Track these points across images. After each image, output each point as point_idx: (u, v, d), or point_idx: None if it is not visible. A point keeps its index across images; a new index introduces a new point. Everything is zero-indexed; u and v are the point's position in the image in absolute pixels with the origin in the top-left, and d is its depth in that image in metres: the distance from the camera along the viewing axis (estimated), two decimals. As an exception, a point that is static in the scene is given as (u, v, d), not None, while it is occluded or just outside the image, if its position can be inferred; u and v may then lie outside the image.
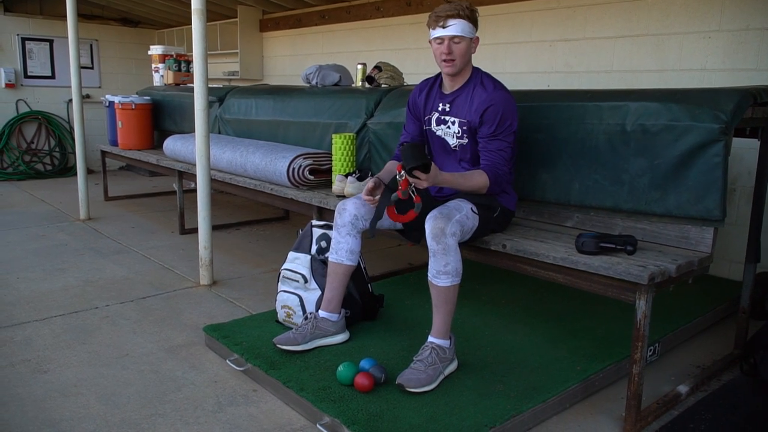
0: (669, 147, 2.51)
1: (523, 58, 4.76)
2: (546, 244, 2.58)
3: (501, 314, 3.26)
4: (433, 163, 2.35)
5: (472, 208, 2.51)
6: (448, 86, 2.75)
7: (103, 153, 6.44)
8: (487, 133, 2.58)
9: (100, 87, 8.55)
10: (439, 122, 2.79)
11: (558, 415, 2.40)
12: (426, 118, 2.85)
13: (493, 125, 2.57)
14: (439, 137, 2.81)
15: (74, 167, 8.23)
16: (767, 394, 2.54)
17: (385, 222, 2.76)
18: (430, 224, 2.40)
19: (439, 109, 2.78)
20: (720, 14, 3.72)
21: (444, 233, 2.36)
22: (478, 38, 2.68)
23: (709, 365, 2.87)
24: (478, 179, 2.56)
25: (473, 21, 2.62)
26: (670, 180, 2.52)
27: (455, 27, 2.57)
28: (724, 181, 2.41)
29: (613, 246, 2.40)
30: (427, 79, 2.89)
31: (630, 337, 2.29)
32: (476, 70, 2.73)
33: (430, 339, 2.49)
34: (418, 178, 2.33)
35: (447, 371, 2.49)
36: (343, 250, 2.71)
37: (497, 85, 2.66)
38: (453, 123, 2.72)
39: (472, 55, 2.71)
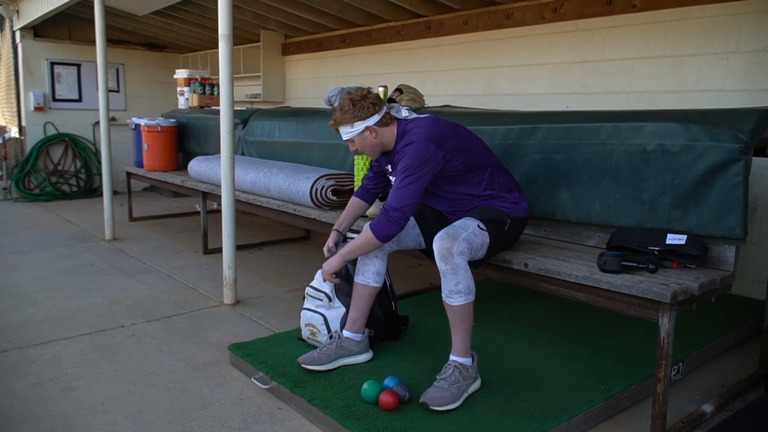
0: (689, 167, 2.53)
1: (542, 80, 4.81)
2: (568, 263, 2.60)
3: (523, 333, 3.27)
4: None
5: (478, 225, 2.56)
6: (389, 150, 2.83)
7: (129, 174, 6.57)
8: (395, 178, 2.66)
9: (125, 110, 8.74)
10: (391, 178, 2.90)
11: (582, 434, 2.41)
12: (388, 176, 2.95)
13: (399, 172, 2.62)
14: None
15: (99, 188, 8.40)
16: (793, 414, 2.52)
17: (410, 242, 2.81)
18: (437, 245, 2.45)
19: (388, 169, 2.87)
20: (737, 36, 3.74)
21: (451, 253, 2.41)
22: (369, 126, 2.70)
23: (734, 384, 2.86)
24: (360, 238, 2.68)
25: (352, 119, 2.69)
26: (691, 199, 2.54)
27: (342, 134, 2.78)
28: (745, 200, 2.42)
29: (635, 264, 2.42)
30: None
31: (653, 356, 2.30)
32: (401, 131, 2.74)
33: (452, 357, 2.52)
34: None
35: (471, 389, 2.51)
36: (369, 271, 2.77)
37: (409, 135, 2.67)
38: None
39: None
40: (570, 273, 2.48)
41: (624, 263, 2.43)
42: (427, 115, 2.81)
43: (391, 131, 2.73)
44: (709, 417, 2.57)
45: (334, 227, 3.03)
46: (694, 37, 3.93)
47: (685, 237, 2.50)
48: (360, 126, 2.69)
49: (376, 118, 2.69)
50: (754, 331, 3.36)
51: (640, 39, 4.20)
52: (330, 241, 2.96)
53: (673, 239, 2.53)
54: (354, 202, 3.10)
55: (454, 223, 2.58)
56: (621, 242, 2.65)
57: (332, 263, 2.79)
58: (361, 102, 2.69)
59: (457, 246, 2.42)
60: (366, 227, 2.63)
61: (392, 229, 2.57)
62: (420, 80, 5.47)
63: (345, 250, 2.75)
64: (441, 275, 2.47)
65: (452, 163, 2.63)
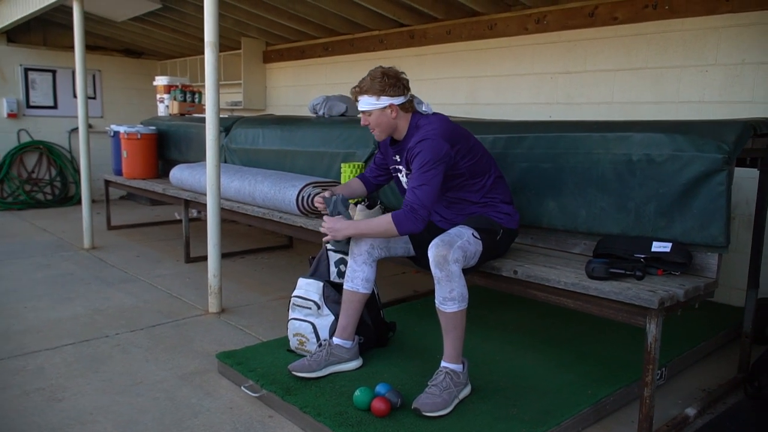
0: (674, 176, 2.59)
1: (525, 90, 4.88)
2: (556, 270, 2.65)
3: (510, 340, 3.31)
4: (342, 217, 2.75)
5: (473, 233, 2.59)
6: (396, 140, 2.85)
7: (107, 182, 6.50)
8: (411, 175, 2.64)
9: (102, 117, 8.65)
10: (395, 171, 2.93)
11: (571, 438, 2.45)
12: (391, 167, 2.97)
13: (415, 168, 2.61)
14: (401, 183, 2.93)
15: (75, 197, 8.32)
16: (774, 417, 2.59)
17: (399, 249, 2.83)
18: (433, 252, 2.47)
19: (394, 159, 2.89)
20: (716, 49, 3.84)
21: (447, 260, 2.43)
22: (392, 104, 2.69)
23: (715, 389, 2.92)
24: (380, 221, 2.62)
25: (379, 91, 2.67)
26: (675, 208, 2.60)
27: (361, 103, 2.74)
28: (728, 209, 2.49)
29: (623, 272, 2.47)
30: None
31: (637, 362, 2.35)
32: (414, 123, 2.75)
33: (443, 364, 2.54)
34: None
35: (461, 395, 2.53)
36: (359, 278, 2.78)
37: (424, 129, 2.67)
38: (402, 173, 2.86)
39: (424, 105, 2.79)
40: (559, 280, 2.52)
41: (611, 270, 2.48)
42: (439, 113, 2.82)
43: (407, 119, 2.75)
44: (692, 420, 2.63)
45: (330, 190, 2.98)
46: (675, 49, 4.03)
47: (670, 245, 2.56)
48: (385, 101, 2.68)
49: (401, 99, 2.70)
50: (733, 337, 3.45)
51: (622, 51, 4.29)
52: (326, 193, 2.90)
53: (658, 247, 2.59)
54: (355, 181, 3.13)
55: (449, 231, 2.60)
56: (607, 250, 2.71)
57: (343, 230, 2.71)
58: (394, 78, 2.69)
59: (452, 253, 2.45)
60: (388, 217, 2.58)
61: (416, 227, 2.57)
62: (402, 89, 5.51)
63: (362, 225, 2.70)
64: (435, 282, 2.50)
65: (459, 165, 2.66)
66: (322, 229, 2.80)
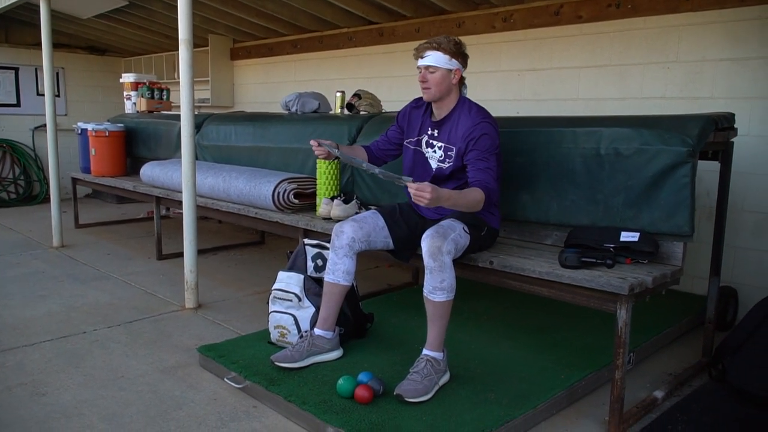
0: (641, 169, 2.71)
1: (493, 87, 4.99)
2: (530, 260, 2.75)
3: (484, 329, 3.41)
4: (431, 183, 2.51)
5: (464, 228, 2.67)
6: (436, 113, 2.93)
7: (74, 180, 6.42)
8: (474, 156, 2.74)
9: (66, 115, 8.51)
10: (427, 145, 2.96)
11: (546, 420, 2.55)
12: (415, 138, 3.02)
13: (480, 149, 2.73)
14: (423, 158, 2.98)
15: (39, 195, 8.19)
16: (735, 397, 2.73)
17: (379, 242, 2.90)
18: (427, 242, 2.53)
19: (428, 132, 2.95)
20: (677, 46, 4.00)
21: (441, 251, 2.50)
22: (459, 70, 2.84)
23: (680, 372, 3.06)
24: (475, 194, 2.64)
25: (453, 54, 2.80)
26: (642, 199, 2.72)
27: (430, 58, 2.80)
28: (692, 200, 2.63)
29: (594, 260, 2.58)
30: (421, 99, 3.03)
31: (608, 347, 2.47)
32: (463, 100, 2.90)
33: (425, 352, 2.62)
34: (422, 196, 2.42)
35: (441, 382, 2.61)
36: (339, 271, 2.83)
37: (482, 113, 2.83)
38: (439, 148, 2.89)
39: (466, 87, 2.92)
40: (533, 269, 2.62)
41: (583, 259, 2.58)
42: None
43: (457, 95, 2.89)
44: (660, 402, 2.75)
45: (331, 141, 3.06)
46: (638, 47, 4.17)
47: (638, 234, 2.69)
48: (455, 65, 2.80)
49: (463, 71, 2.86)
50: (697, 324, 3.59)
51: (587, 48, 4.43)
52: (326, 142, 3.01)
53: (626, 237, 2.71)
54: (359, 148, 3.27)
55: (441, 223, 2.66)
56: (578, 240, 2.82)
57: (436, 200, 2.46)
58: (465, 50, 2.86)
59: (446, 245, 2.52)
60: (481, 194, 2.62)
61: (488, 207, 2.75)
62: (373, 86, 5.56)
63: (455, 196, 2.59)
64: (427, 271, 2.55)
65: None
66: (410, 187, 2.46)
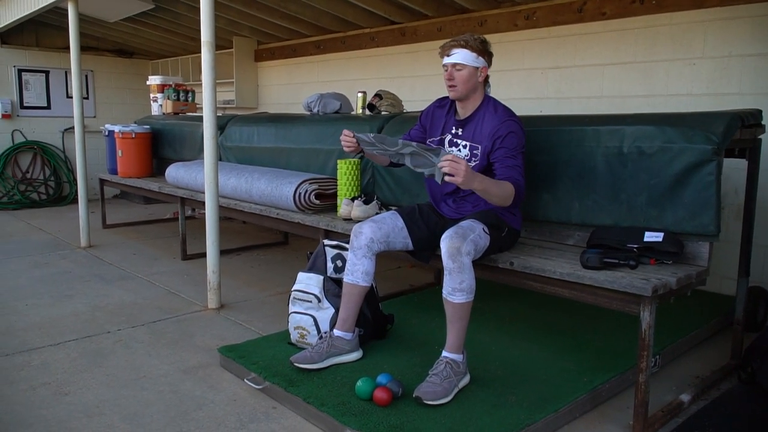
0: (665, 167, 2.66)
1: (515, 85, 4.94)
2: (551, 261, 2.71)
3: (506, 330, 3.38)
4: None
5: (483, 228, 2.64)
6: (461, 112, 2.92)
7: (102, 181, 6.53)
8: (502, 154, 2.72)
9: (95, 117, 8.65)
10: (451, 144, 2.94)
11: (569, 424, 2.51)
12: (438, 137, 3.00)
13: (507, 146, 2.72)
14: None
15: (69, 196, 8.33)
16: (765, 401, 2.66)
17: (398, 243, 2.88)
18: (446, 243, 2.51)
19: (452, 131, 2.94)
20: (703, 43, 3.92)
21: (460, 252, 2.48)
22: (485, 68, 2.83)
23: (708, 375, 2.99)
24: (507, 187, 2.62)
25: (479, 51, 2.79)
26: (666, 198, 2.67)
27: (457, 55, 2.78)
28: (718, 199, 2.57)
29: (616, 261, 2.53)
30: (447, 98, 3.02)
31: (631, 350, 2.42)
32: (488, 99, 2.89)
33: (445, 354, 2.60)
34: (458, 168, 2.43)
35: (461, 384, 2.59)
36: (358, 271, 2.82)
37: (507, 112, 2.82)
38: (464, 147, 2.87)
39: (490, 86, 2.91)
40: (554, 270, 2.59)
41: (605, 260, 2.54)
42: None
43: (482, 94, 2.89)
44: (687, 406, 2.69)
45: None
46: (663, 43, 4.10)
47: (662, 234, 2.63)
48: (481, 62, 2.81)
49: (488, 70, 2.86)
50: (725, 325, 3.52)
51: (611, 46, 4.36)
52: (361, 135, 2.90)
53: (650, 237, 2.66)
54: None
55: (461, 224, 2.63)
56: (601, 240, 2.77)
57: (471, 179, 2.48)
58: (491, 50, 2.87)
59: (465, 246, 2.50)
60: (512, 188, 2.62)
61: (517, 205, 2.76)
62: (396, 86, 5.56)
63: (488, 181, 2.59)
64: (446, 273, 2.53)
65: None
66: (443, 164, 2.45)
